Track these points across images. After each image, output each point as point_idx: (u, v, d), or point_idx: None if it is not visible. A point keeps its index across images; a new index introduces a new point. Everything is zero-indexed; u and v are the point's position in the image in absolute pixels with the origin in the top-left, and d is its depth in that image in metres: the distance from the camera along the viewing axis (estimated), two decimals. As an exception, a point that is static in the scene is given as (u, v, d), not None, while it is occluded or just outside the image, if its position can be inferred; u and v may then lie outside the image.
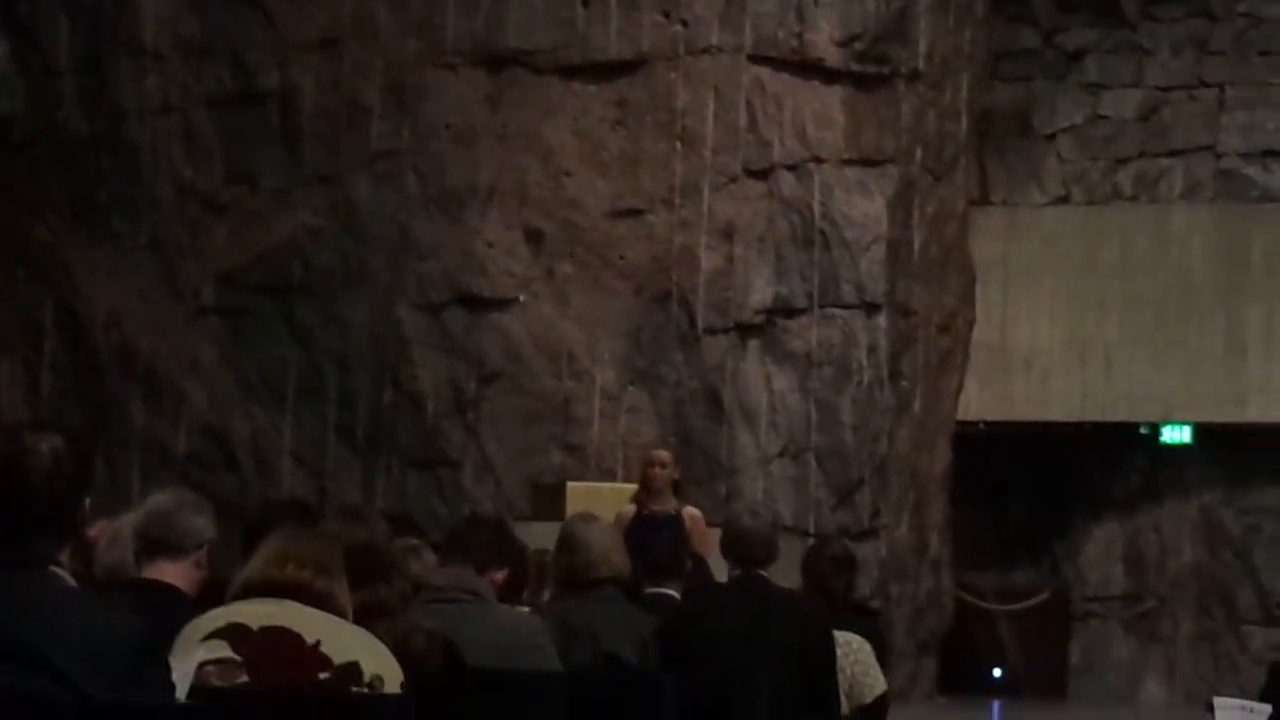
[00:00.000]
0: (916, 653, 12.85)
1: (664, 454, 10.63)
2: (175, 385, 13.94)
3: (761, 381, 12.82)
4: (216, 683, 4.48)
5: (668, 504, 9.70)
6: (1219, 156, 14.24)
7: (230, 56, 13.93)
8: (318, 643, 4.60)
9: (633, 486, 10.37)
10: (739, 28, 12.88)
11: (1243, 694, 4.49)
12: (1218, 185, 14.23)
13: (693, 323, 12.91)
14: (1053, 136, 14.67)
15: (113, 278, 14.05)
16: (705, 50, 12.94)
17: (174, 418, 13.91)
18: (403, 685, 4.67)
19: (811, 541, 10.17)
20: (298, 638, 4.63)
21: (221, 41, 13.95)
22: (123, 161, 14.01)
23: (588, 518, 7.59)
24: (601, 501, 9.91)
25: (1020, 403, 13.84)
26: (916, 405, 13.08)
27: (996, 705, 13.49)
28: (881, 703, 7.96)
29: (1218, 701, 4.61)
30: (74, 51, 14.12)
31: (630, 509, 9.41)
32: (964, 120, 13.65)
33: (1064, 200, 14.56)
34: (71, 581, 4.37)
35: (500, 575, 6.31)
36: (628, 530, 8.48)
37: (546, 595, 7.26)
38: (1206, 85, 14.25)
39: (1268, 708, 4.13)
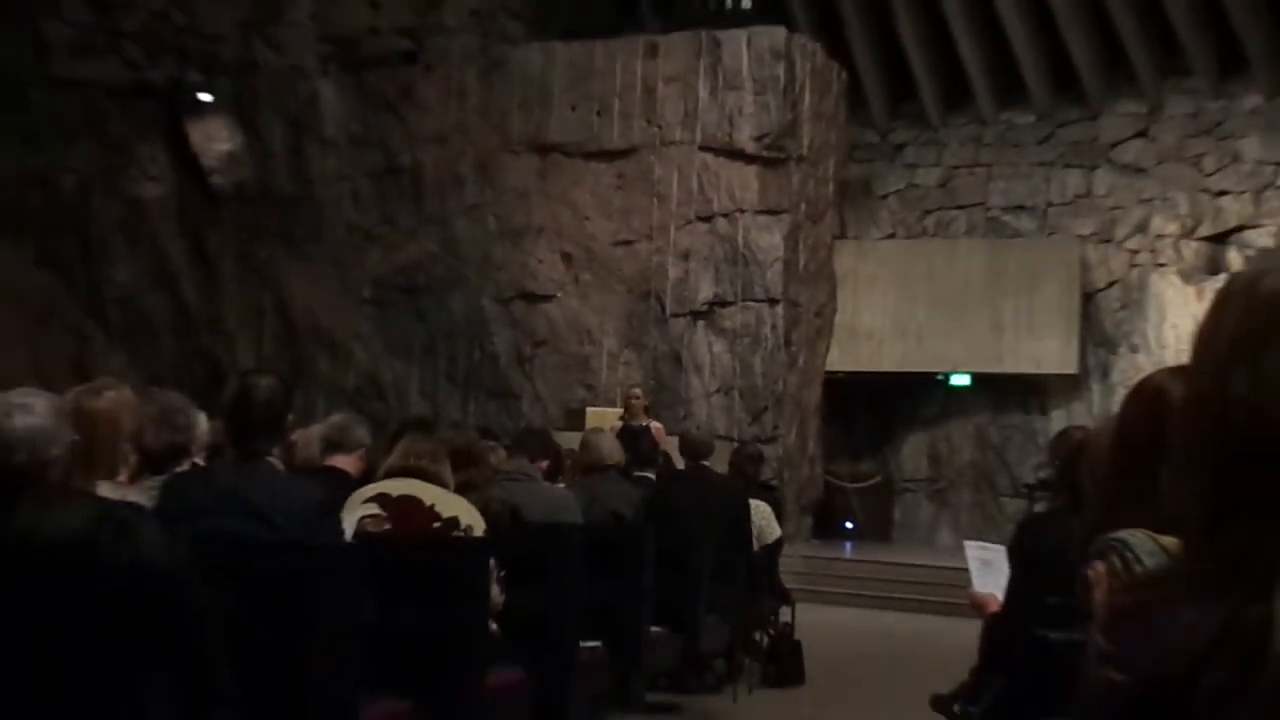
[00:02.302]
0: (799, 513, 12.85)
1: (638, 390, 10.74)
2: (346, 347, 13.94)
3: (705, 347, 12.82)
4: (371, 529, 4.52)
5: (640, 420, 9.73)
6: (988, 209, 14.23)
7: (380, 144, 13.91)
8: (433, 505, 4.65)
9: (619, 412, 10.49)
10: (693, 129, 12.87)
11: (1001, 542, 4.47)
12: (986, 227, 14.22)
13: (663, 310, 12.91)
14: (885, 196, 14.64)
15: (307, 282, 14.05)
16: (672, 143, 12.92)
17: (345, 368, 13.93)
18: (485, 532, 4.70)
19: (735, 444, 10.17)
20: (420, 501, 4.67)
21: (375, 135, 13.94)
22: (313, 210, 14.02)
23: (598, 430, 7.75)
24: (606, 420, 9.99)
25: (864, 360, 13.83)
26: (800, 361, 13.08)
27: (848, 545, 13.51)
28: (778, 543, 8.07)
29: (967, 545, 4.59)
30: (284, 140, 14.09)
31: (617, 424, 9.43)
32: (831, 186, 13.64)
33: (892, 236, 14.54)
34: (281, 467, 4.39)
35: (544, 464, 6.37)
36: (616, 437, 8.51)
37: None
38: (981, 165, 14.25)
39: (1001, 548, 4.12)
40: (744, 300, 12.75)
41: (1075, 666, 1.31)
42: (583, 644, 5.37)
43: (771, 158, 12.73)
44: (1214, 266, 12.99)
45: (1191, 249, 13.29)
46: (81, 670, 2.91)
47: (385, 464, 4.91)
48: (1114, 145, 13.77)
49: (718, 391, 12.77)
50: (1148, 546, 1.74)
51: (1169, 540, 1.61)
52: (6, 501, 2.99)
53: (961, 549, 4.74)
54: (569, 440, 7.95)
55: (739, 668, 7.35)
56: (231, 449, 4.09)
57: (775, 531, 7.93)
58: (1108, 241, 13.68)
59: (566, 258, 13.32)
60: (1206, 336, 1.29)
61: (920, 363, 13.86)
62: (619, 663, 5.75)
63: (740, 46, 12.78)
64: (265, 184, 14.12)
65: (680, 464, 8.18)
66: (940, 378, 14.09)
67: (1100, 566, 1.76)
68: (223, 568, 3.28)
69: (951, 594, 10.34)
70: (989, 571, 4.16)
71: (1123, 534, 1.78)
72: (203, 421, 4.36)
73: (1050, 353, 13.47)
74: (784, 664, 7.64)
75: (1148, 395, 2.18)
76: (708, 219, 12.87)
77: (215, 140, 14.07)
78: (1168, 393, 2.06)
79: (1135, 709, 1.18)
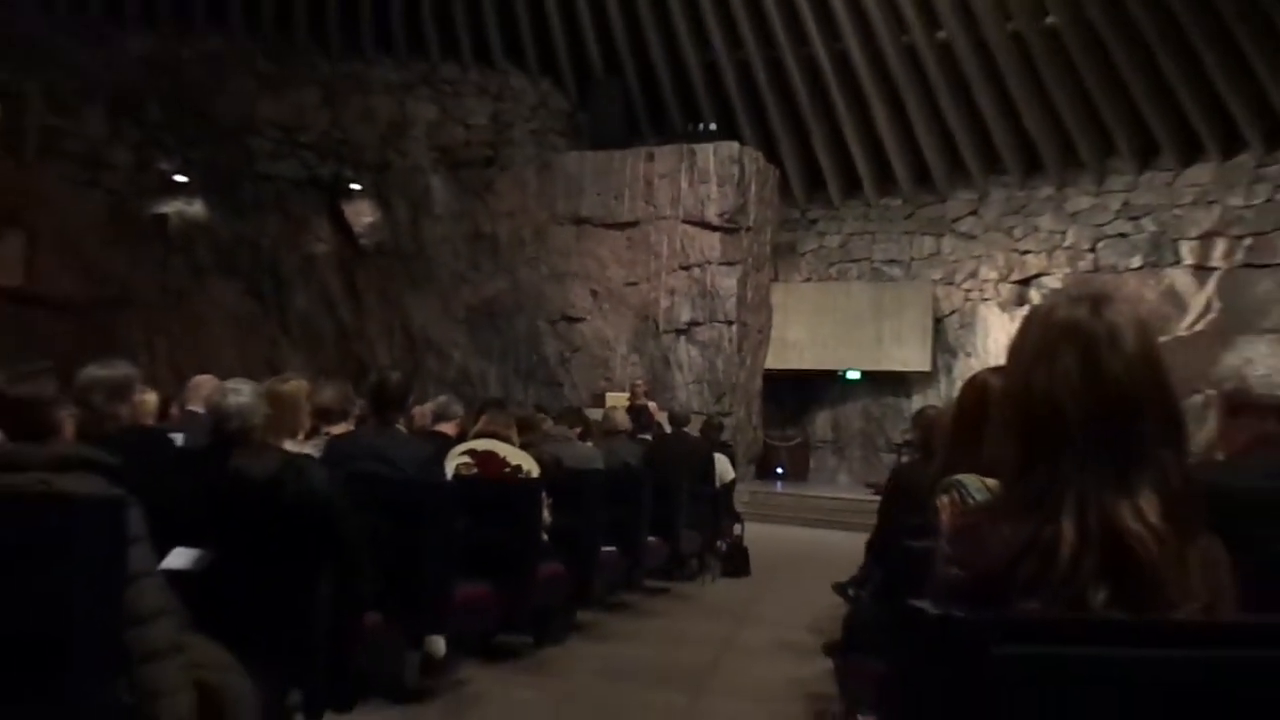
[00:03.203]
0: (746, 462, 12.80)
1: (640, 381, 10.75)
2: (447, 352, 13.93)
3: (685, 353, 12.78)
4: (464, 472, 4.50)
5: (641, 401, 9.73)
6: (872, 262, 14.19)
7: (470, 218, 13.92)
8: (505, 456, 4.63)
9: (627, 394, 10.48)
10: (677, 209, 12.83)
11: (879, 482, 4.44)
12: (871, 274, 14.17)
13: (657, 328, 12.88)
14: (804, 254, 14.58)
15: (422, 309, 14.05)
16: (663, 218, 12.89)
17: (447, 365, 13.91)
18: (539, 475, 4.69)
19: (705, 417, 10.17)
20: (496, 454, 4.65)
21: (467, 212, 13.94)
22: (426, 262, 14.03)
23: (613, 408, 7.69)
24: (619, 401, 9.96)
25: (790, 362, 13.80)
26: (748, 362, 13.06)
27: (779, 483, 13.47)
28: (732, 482, 8.06)
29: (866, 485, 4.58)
30: (406, 215, 14.10)
31: (626, 403, 9.42)
32: (768, 247, 13.58)
33: (809, 280, 14.48)
34: (405, 432, 4.40)
35: (578, 430, 6.35)
36: (625, 412, 8.50)
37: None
38: (867, 233, 14.20)
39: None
40: (710, 322, 12.73)
41: (928, 565, 1.31)
42: (603, 548, 5.38)
43: (729, 228, 12.71)
44: (1021, 301, 12.98)
45: (1006, 289, 13.28)
46: (273, 563, 2.91)
47: (473, 429, 4.91)
48: (955, 220, 13.74)
49: (693, 382, 12.75)
50: (976, 486, 1.74)
51: (991, 482, 1.61)
52: (224, 453, 3.00)
53: (859, 488, 4.75)
54: (594, 414, 7.97)
55: (706, 564, 7.36)
56: (372, 418, 4.11)
57: (730, 474, 7.94)
58: (950, 284, 13.65)
59: (593, 293, 13.31)
60: (1016, 348, 1.29)
61: (827, 363, 13.85)
62: (627, 560, 5.76)
63: (709, 154, 12.76)
64: (395, 244, 14.12)
65: (668, 429, 8.18)
66: (840, 374, 14.07)
67: (945, 499, 1.76)
68: (366, 496, 3.29)
69: (846, 516, 10.36)
70: None
71: (960, 477, 1.77)
72: (357, 400, 4.41)
73: (912, 357, 13.47)
74: (736, 562, 7.64)
75: (977, 386, 2.18)
76: (687, 268, 12.86)
77: (362, 215, 14.09)
78: (990, 385, 2.06)
79: (968, 594, 1.18)
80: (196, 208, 13.52)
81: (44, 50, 12.63)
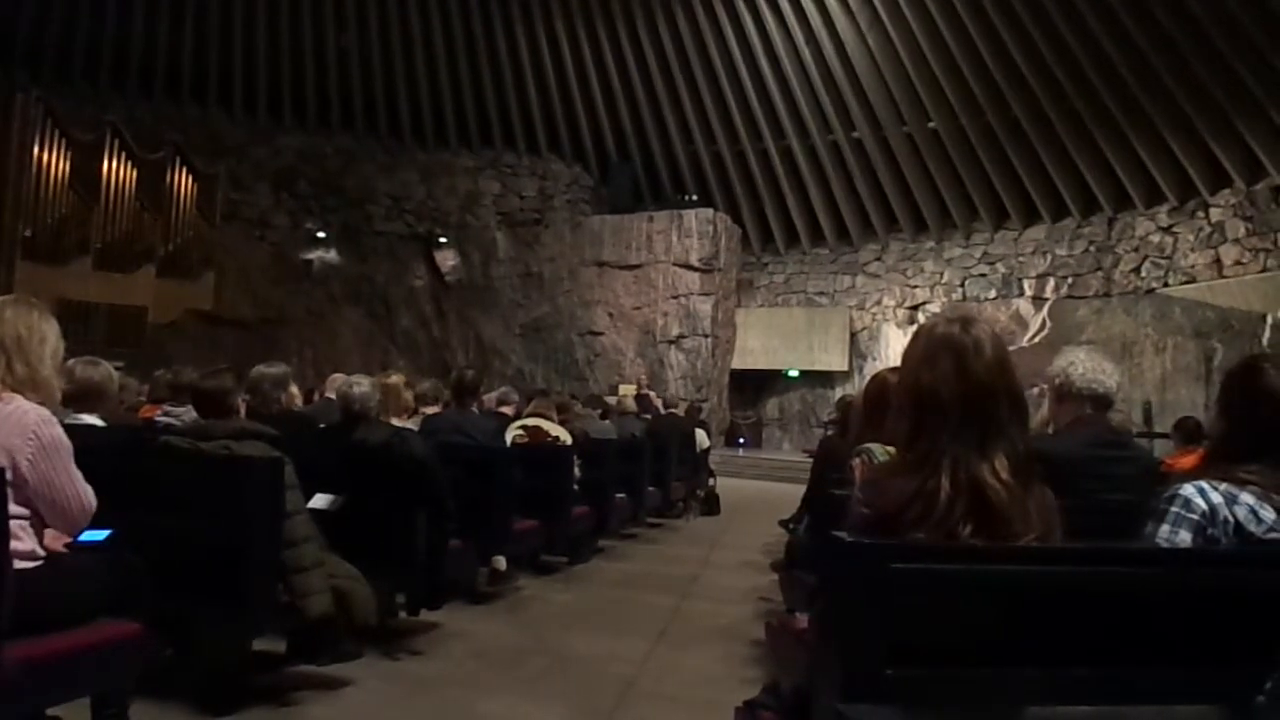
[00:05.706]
0: (719, 434, 12.70)
1: (643, 377, 10.72)
2: (507, 356, 13.86)
3: (675, 357, 12.72)
4: (519, 441, 4.47)
5: (644, 391, 9.64)
6: (807, 293, 14.07)
7: (524, 262, 13.84)
8: (547, 430, 4.59)
9: (634, 386, 10.39)
10: (670, 255, 12.79)
11: (811, 449, 4.34)
12: (807, 301, 14.07)
13: (655, 340, 12.84)
14: (759, 287, 14.45)
15: (490, 326, 13.98)
16: (660, 262, 12.84)
17: (507, 365, 13.83)
18: (571, 443, 4.66)
19: (689, 403, 10.13)
20: (542, 428, 4.62)
21: (521, 258, 13.83)
22: (493, 293, 13.93)
23: (625, 396, 7.62)
24: (629, 391, 9.89)
25: (749, 363, 13.69)
26: (719, 364, 12.99)
27: (741, 449, 13.39)
28: (708, 449, 7.97)
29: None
30: (479, 260, 14.02)
31: (633, 393, 9.35)
32: (734, 282, 13.52)
33: (763, 306, 14.38)
34: (477, 413, 4.37)
35: (599, 411, 6.31)
36: (633, 399, 8.43)
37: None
38: (803, 273, 14.11)
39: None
40: (693, 335, 12.68)
41: (846, 507, 1.31)
42: (617, 495, 5.37)
43: (706, 269, 12.65)
44: (911, 321, 12.92)
45: (901, 312, 13.23)
46: (385, 504, 2.91)
47: (525, 411, 4.90)
48: (865, 264, 13.67)
49: (680, 378, 12.69)
50: (880, 451, 1.73)
51: (890, 449, 1.61)
52: (350, 427, 3.00)
53: (796, 453, 4.73)
54: (611, 400, 7.93)
55: (689, 506, 7.34)
56: (454, 403, 4.11)
57: (706, 443, 7.92)
58: (862, 309, 13.59)
59: (610, 315, 13.24)
60: (908, 353, 1.30)
61: (775, 364, 13.77)
62: (633, 503, 5.74)
63: (692, 217, 12.70)
64: (470, 280, 14.06)
65: (663, 411, 8.16)
66: (784, 372, 14.00)
67: (858, 461, 1.76)
68: (450, 457, 3.29)
69: (789, 472, 10.33)
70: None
71: (868, 445, 1.77)
72: (444, 389, 4.40)
73: (835, 360, 13.41)
74: (710, 504, 7.62)
75: (879, 381, 2.18)
76: (676, 297, 12.80)
77: (447, 260, 14.04)
78: (889, 380, 2.06)
79: (873, 527, 1.18)
80: (332, 255, 13.56)
81: (228, 144, 12.77)
